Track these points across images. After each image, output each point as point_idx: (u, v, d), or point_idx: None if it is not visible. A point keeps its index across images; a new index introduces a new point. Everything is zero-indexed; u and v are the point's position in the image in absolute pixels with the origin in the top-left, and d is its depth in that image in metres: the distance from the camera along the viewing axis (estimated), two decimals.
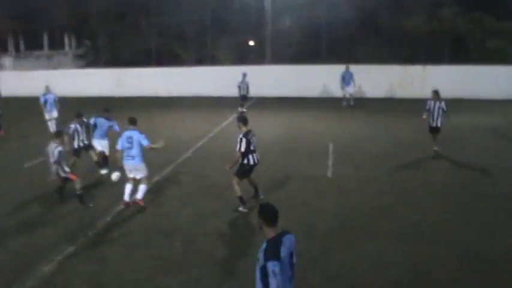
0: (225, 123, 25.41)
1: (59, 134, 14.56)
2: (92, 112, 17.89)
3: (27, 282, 10.00)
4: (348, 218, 12.82)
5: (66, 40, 52.18)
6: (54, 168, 14.08)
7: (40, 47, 52.37)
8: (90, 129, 17.08)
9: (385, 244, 11.27)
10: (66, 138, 15.46)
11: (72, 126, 16.55)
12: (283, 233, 6.55)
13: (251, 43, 44.51)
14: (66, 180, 14.45)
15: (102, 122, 17.04)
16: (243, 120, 13.62)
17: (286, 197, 14.40)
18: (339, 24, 37.36)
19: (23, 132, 25.23)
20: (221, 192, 14.95)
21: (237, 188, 13.59)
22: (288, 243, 6.43)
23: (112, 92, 36.76)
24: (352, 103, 29.84)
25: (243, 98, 28.29)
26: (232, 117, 26.57)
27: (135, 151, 13.58)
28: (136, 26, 44.02)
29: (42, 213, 13.80)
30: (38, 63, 49.41)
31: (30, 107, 33.49)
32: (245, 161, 13.48)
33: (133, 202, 13.81)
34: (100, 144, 17.15)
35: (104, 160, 17.26)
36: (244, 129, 13.45)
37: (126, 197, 13.83)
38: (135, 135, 13.71)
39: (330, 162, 17.89)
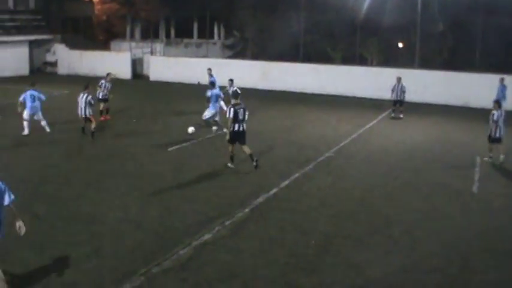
0: (369, 125, 24.86)
1: (87, 86, 21.35)
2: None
3: (164, 263, 10.22)
4: (491, 240, 12.00)
5: (216, 30, 53.40)
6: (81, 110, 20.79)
7: (190, 35, 53.91)
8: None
9: None
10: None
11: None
12: None
13: (400, 45, 43.48)
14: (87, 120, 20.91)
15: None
16: (234, 94, 17.07)
17: (429, 209, 13.80)
18: (496, 32, 35.54)
19: (168, 117, 25.96)
20: (362, 195, 14.62)
21: (229, 148, 16.96)
22: None
23: (257, 84, 37.10)
24: None
25: (395, 103, 27.33)
26: (377, 120, 26.02)
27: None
28: (286, 20, 44.23)
29: (182, 198, 14.12)
30: (186, 50, 50.91)
31: (176, 92, 34.63)
32: (231, 128, 16.47)
33: None
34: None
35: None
36: (233, 101, 16.64)
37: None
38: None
39: (477, 177, 16.91)
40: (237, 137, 16.64)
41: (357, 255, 10.79)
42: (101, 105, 24.48)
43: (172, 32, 55.15)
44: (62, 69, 47.19)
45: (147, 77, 43.14)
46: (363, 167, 17.70)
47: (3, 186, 8.40)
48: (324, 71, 36.66)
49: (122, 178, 15.85)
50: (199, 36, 52.86)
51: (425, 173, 17.15)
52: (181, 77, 40.25)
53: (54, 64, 47.87)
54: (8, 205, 8.41)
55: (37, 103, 21.30)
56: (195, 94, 33.20)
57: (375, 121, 25.85)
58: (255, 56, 43.72)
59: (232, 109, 16.37)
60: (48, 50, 48.74)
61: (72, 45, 47.70)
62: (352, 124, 24.87)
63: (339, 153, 19.42)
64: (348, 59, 40.82)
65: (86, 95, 20.87)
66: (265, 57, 41.43)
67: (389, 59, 42.06)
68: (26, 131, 21.15)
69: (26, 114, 21.11)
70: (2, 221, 8.39)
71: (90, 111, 20.89)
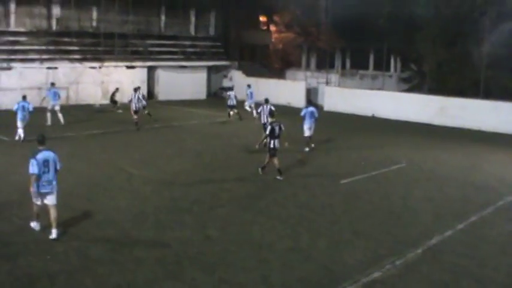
0: None
1: (137, 89, 29.98)
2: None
3: None
4: None
5: (392, 62, 52.73)
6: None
7: (365, 66, 53.61)
8: None
9: None
10: None
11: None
12: (46, 149, 12.42)
13: None
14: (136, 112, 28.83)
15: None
16: (271, 113, 20.63)
17: None
18: None
19: (341, 149, 25.70)
20: None
21: (272, 163, 19.00)
22: (45, 154, 12.28)
23: (432, 119, 35.95)
24: None
25: None
26: None
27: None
28: (467, 55, 42.67)
29: (352, 232, 13.90)
30: (361, 82, 50.58)
31: (349, 123, 34.44)
32: (269, 144, 18.99)
33: None
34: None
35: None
36: (270, 120, 19.69)
37: None
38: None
39: None
40: (274, 151, 18.91)
41: None
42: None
43: (348, 62, 55.18)
44: (239, 95, 48.58)
45: (321, 107, 43.28)
46: None
47: (56, 157, 12.47)
48: (507, 108, 34.76)
49: (293, 207, 15.94)
50: (375, 68, 52.43)
51: None
52: (355, 108, 39.95)
53: (230, 90, 49.49)
54: (58, 170, 12.56)
55: (27, 116, 24.74)
56: (368, 127, 32.97)
57: None
58: (432, 91, 42.47)
59: (270, 126, 19.13)
60: (225, 76, 50.66)
61: (249, 72, 49.11)
62: None
63: None
64: None
65: (137, 93, 28.95)
66: (443, 92, 40.08)
67: None
68: (17, 137, 24.52)
69: (19, 123, 24.46)
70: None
71: (140, 105, 29.14)
